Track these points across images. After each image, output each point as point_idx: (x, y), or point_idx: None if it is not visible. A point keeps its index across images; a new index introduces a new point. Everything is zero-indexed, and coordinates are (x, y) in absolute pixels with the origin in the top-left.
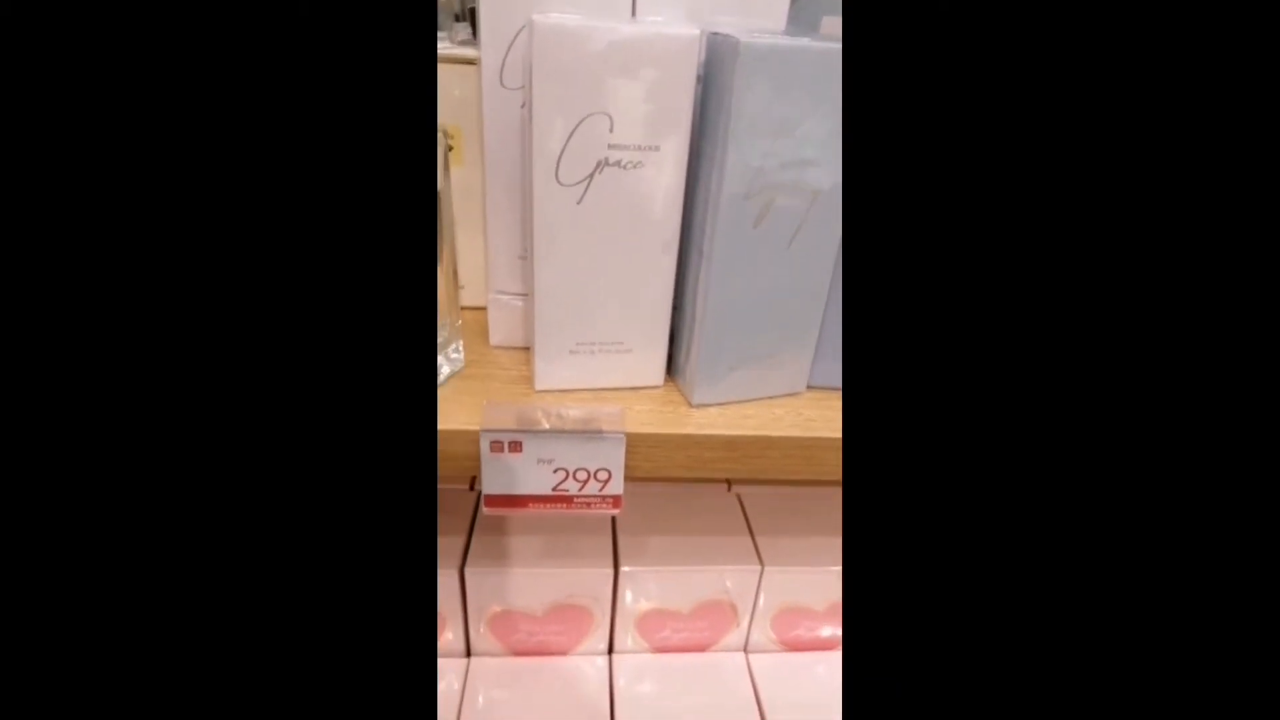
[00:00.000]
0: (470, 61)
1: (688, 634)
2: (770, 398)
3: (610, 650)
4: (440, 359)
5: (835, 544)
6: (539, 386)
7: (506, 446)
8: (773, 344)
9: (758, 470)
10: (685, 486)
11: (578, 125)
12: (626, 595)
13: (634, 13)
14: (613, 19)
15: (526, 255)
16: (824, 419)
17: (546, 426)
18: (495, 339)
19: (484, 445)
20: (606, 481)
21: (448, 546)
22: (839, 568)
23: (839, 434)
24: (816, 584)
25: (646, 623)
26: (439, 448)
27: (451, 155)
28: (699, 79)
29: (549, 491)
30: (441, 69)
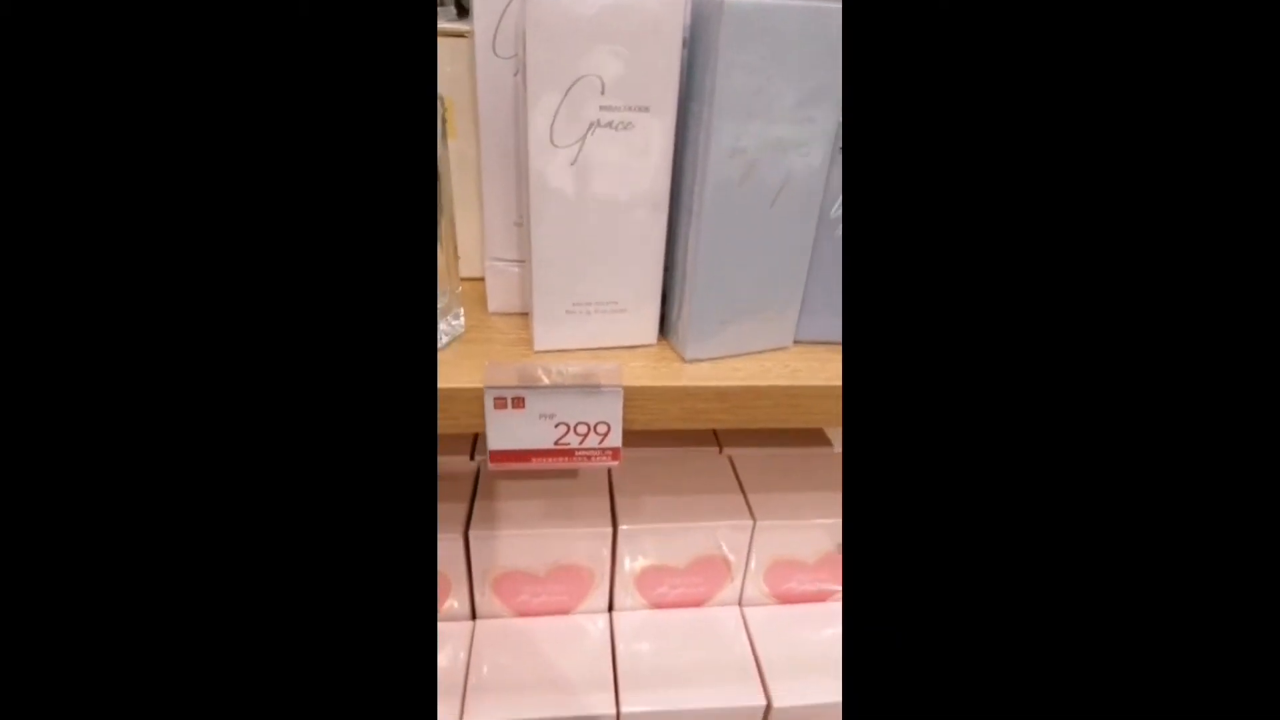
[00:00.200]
0: (461, 34)
1: (684, 589)
2: (759, 352)
3: (610, 608)
4: (442, 325)
5: (823, 499)
6: (538, 347)
7: (510, 403)
8: (761, 299)
9: (749, 419)
10: (678, 450)
11: (570, 87)
12: (625, 553)
13: None
14: None
15: (522, 221)
16: (810, 370)
17: (547, 383)
18: (493, 305)
19: (488, 402)
20: (606, 434)
21: (451, 513)
22: (828, 521)
23: (825, 383)
24: (807, 538)
25: (645, 579)
26: (444, 408)
27: (445, 128)
28: (685, 41)
29: (551, 446)
30: None
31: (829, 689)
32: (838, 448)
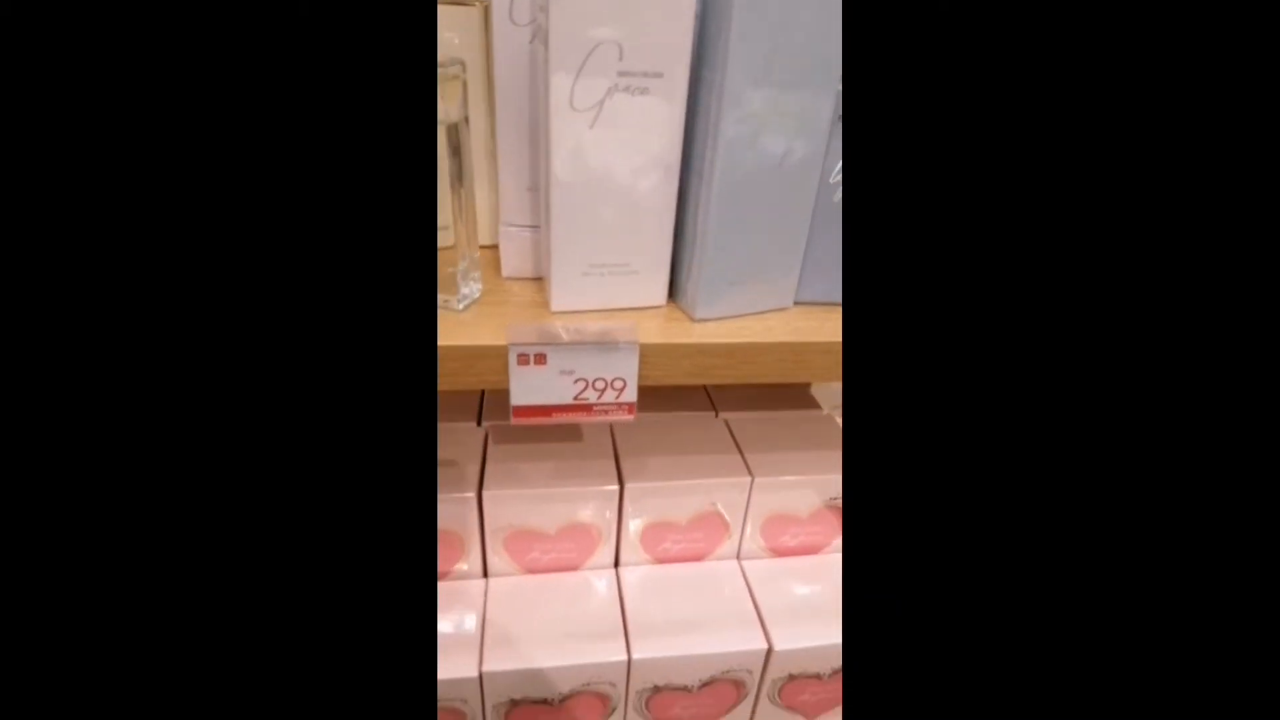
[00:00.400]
0: (466, 3)
1: (685, 545)
2: (762, 312)
3: (616, 564)
4: (463, 289)
5: (814, 458)
6: (555, 308)
7: (532, 359)
8: (765, 262)
9: (755, 374)
10: (677, 415)
11: (591, 52)
12: (630, 511)
13: None
14: None
15: (536, 187)
16: (811, 328)
17: (566, 340)
18: (507, 270)
19: (511, 359)
20: (622, 390)
21: (463, 475)
22: (820, 477)
23: (825, 340)
24: (800, 494)
25: (649, 536)
26: (468, 365)
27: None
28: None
29: (570, 401)
30: (442, 11)
31: (825, 633)
32: (826, 410)
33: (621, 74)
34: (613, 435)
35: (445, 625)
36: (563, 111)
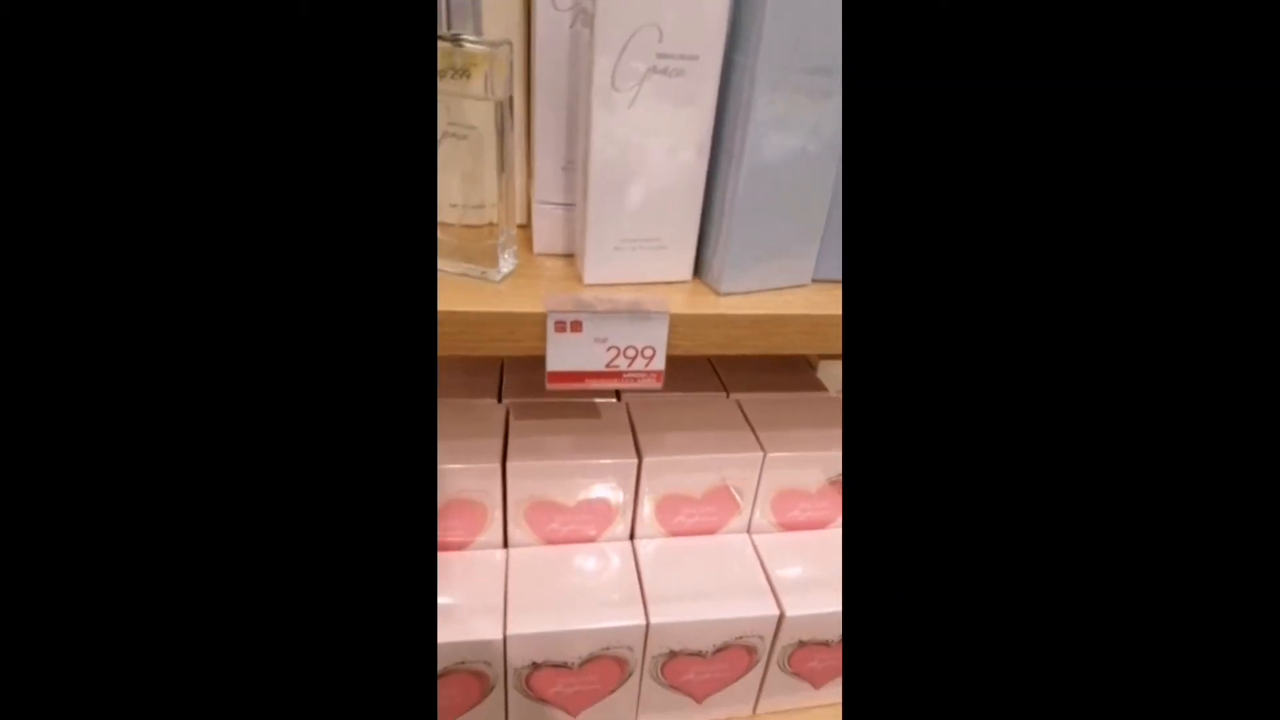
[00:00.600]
0: None
1: (699, 518)
2: (782, 288)
3: (632, 537)
4: (502, 258)
5: (822, 436)
6: (588, 280)
7: (569, 326)
8: (788, 239)
9: (777, 345)
10: (691, 395)
11: (632, 35)
12: (647, 483)
13: None
14: None
15: (570, 166)
16: (828, 302)
17: (601, 309)
18: (539, 247)
19: (550, 326)
20: (651, 358)
21: (488, 448)
22: (828, 454)
23: (841, 313)
24: (809, 469)
25: (663, 508)
26: (508, 330)
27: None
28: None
29: (603, 368)
30: None
31: (834, 601)
32: (833, 392)
33: (660, 56)
34: (629, 414)
35: (469, 591)
36: (604, 92)
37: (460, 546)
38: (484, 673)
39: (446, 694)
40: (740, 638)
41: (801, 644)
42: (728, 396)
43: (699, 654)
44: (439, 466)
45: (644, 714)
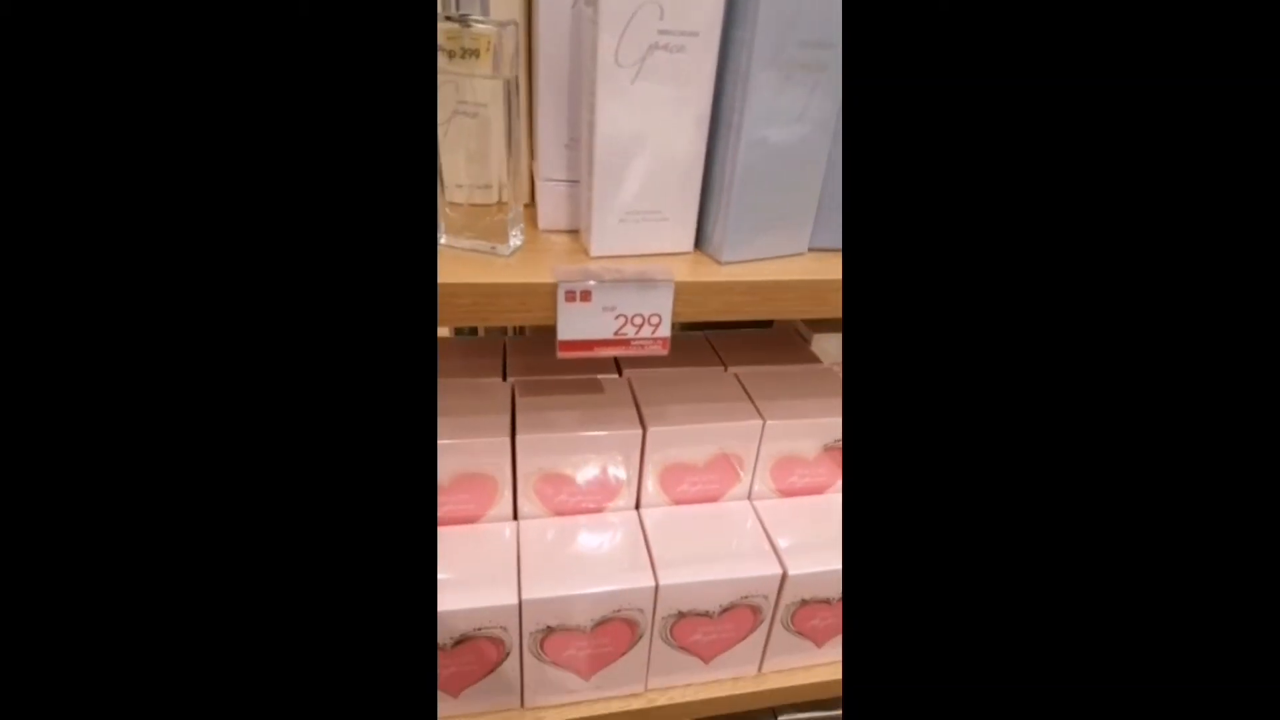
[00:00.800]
0: None
1: (702, 486)
2: (780, 257)
3: (638, 506)
4: (511, 233)
5: (818, 404)
6: (594, 253)
7: (579, 296)
8: (785, 210)
9: (777, 310)
10: (691, 370)
11: (635, 12)
12: (652, 453)
13: None
14: None
15: (573, 144)
16: (825, 270)
17: (609, 278)
18: (543, 223)
19: (560, 296)
20: (658, 325)
21: (497, 423)
22: (824, 420)
23: (838, 277)
24: (807, 436)
25: (667, 477)
26: (520, 300)
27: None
28: None
29: (611, 336)
30: None
31: (834, 560)
32: (826, 363)
33: (661, 33)
34: (632, 388)
35: (483, 561)
36: (608, 68)
37: (472, 519)
38: (500, 638)
39: (463, 661)
40: (745, 597)
41: (804, 602)
42: (726, 370)
43: (706, 614)
44: (449, 442)
45: (654, 676)
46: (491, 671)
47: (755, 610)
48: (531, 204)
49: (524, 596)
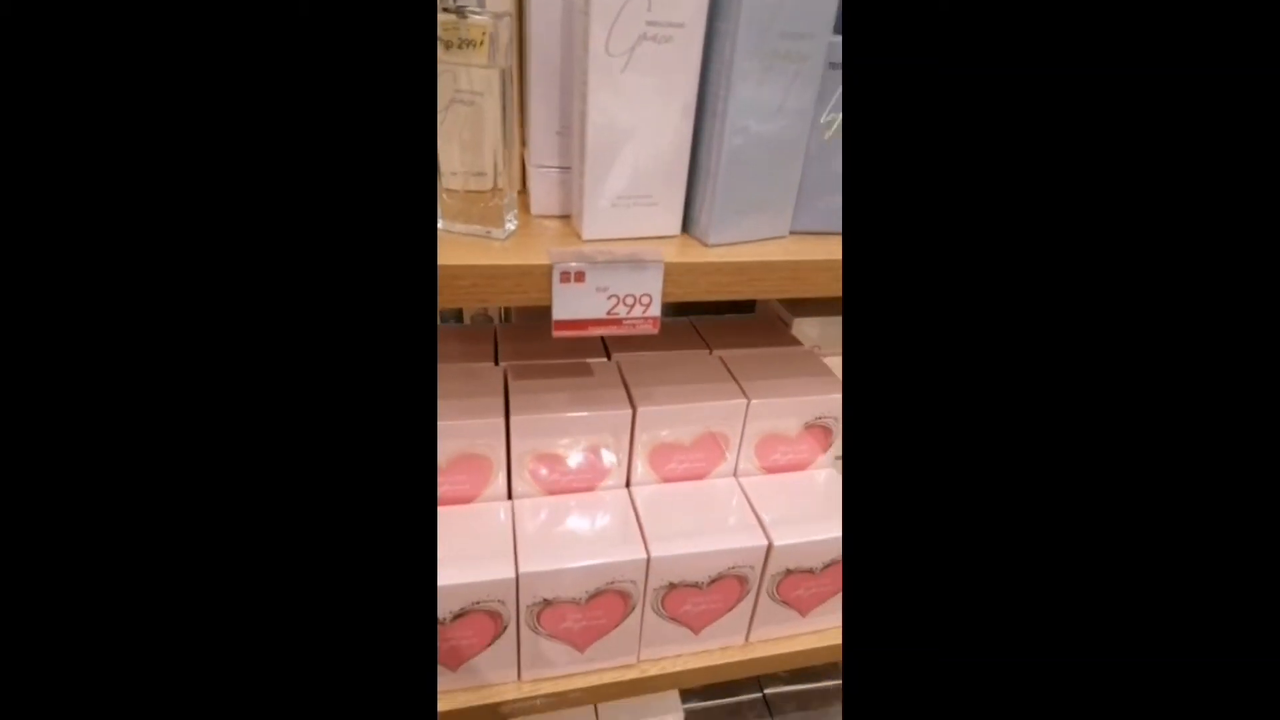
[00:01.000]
0: None
1: (689, 464)
2: (763, 239)
3: (628, 484)
4: (506, 218)
5: (800, 384)
6: (586, 236)
7: (573, 277)
8: (768, 194)
9: (761, 290)
10: (677, 353)
11: (625, 5)
12: (641, 432)
13: None
14: None
15: (564, 131)
16: (807, 251)
17: (601, 260)
18: (536, 209)
19: (555, 277)
20: (648, 305)
21: (491, 405)
22: (806, 399)
23: (820, 259)
24: (790, 414)
25: (656, 456)
26: (517, 282)
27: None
28: None
29: (604, 315)
30: None
31: (817, 532)
32: (807, 345)
33: (649, 24)
34: (620, 371)
35: (480, 538)
36: (599, 58)
37: (468, 499)
38: (498, 611)
39: (462, 634)
40: (733, 568)
41: (789, 572)
42: (711, 353)
43: (696, 585)
44: (445, 424)
45: (646, 647)
46: (490, 645)
47: (742, 580)
48: (523, 191)
49: (521, 570)
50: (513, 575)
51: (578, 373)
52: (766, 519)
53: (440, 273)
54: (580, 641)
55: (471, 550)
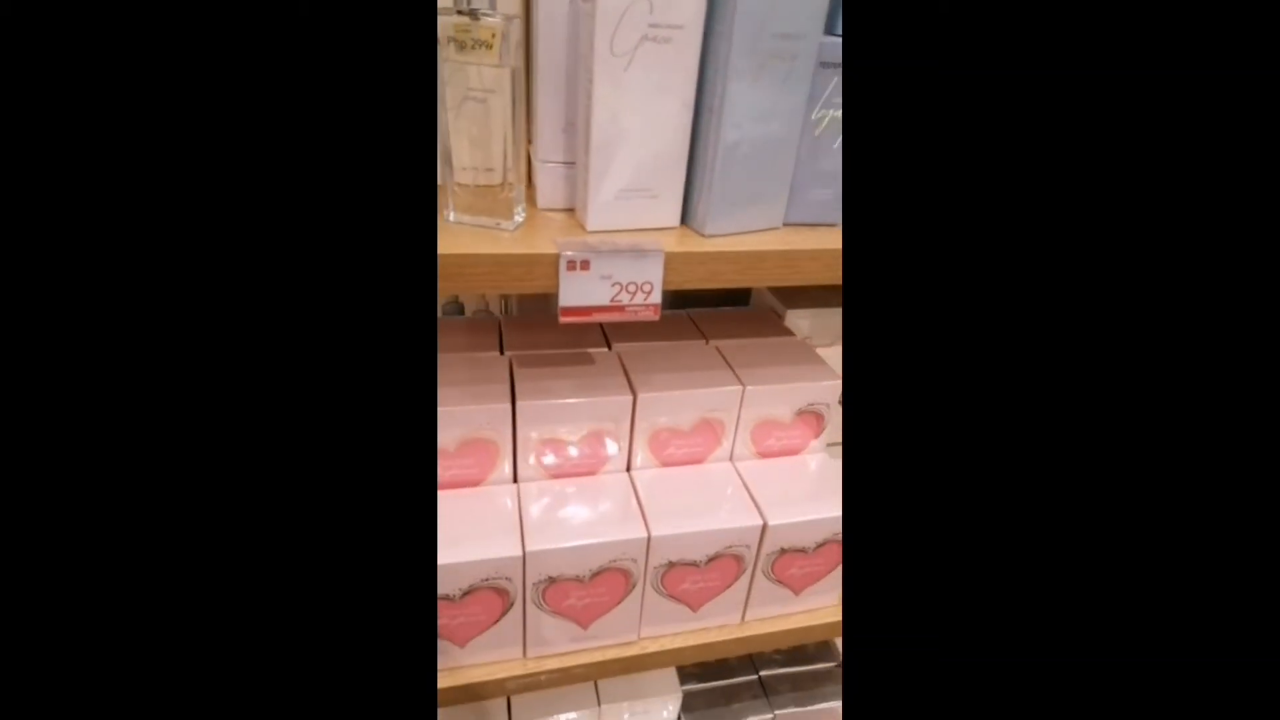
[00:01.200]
0: None
1: (688, 449)
2: (758, 230)
3: (629, 468)
4: (515, 210)
5: (793, 371)
6: (591, 228)
7: (579, 265)
8: (762, 186)
9: (757, 279)
10: (674, 343)
11: (628, 8)
12: (642, 418)
13: None
14: None
15: (569, 128)
16: (799, 241)
17: (606, 249)
18: (542, 202)
19: (562, 265)
20: (650, 292)
21: (498, 392)
22: (799, 385)
23: (813, 248)
24: (784, 401)
25: (656, 441)
26: (526, 270)
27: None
28: None
29: (608, 303)
30: None
31: (810, 512)
32: (799, 336)
33: (651, 26)
34: (621, 360)
35: (488, 518)
36: (604, 58)
37: (476, 483)
38: (505, 589)
39: (471, 611)
40: (730, 547)
41: (783, 551)
42: (707, 343)
43: (694, 564)
44: (454, 410)
45: (646, 625)
46: (497, 622)
47: (739, 559)
48: (530, 185)
49: (527, 548)
50: (520, 553)
51: (580, 361)
52: (762, 500)
53: (455, 262)
54: (583, 619)
55: (480, 530)
